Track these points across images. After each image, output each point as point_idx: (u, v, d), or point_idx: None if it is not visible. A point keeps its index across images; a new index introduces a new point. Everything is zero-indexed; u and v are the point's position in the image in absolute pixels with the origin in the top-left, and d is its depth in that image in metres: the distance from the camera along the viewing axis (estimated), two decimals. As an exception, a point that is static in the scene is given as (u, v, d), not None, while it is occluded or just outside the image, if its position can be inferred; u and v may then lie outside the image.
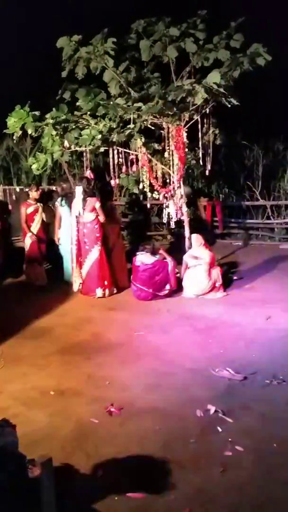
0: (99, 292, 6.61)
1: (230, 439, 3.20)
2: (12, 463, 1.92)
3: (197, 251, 6.57)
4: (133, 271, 6.59)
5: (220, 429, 3.33)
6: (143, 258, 6.45)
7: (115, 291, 6.77)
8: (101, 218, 6.62)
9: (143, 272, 6.39)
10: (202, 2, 6.94)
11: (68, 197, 7.36)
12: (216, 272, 6.51)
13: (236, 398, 3.75)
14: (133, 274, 6.57)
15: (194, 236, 6.70)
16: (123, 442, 3.22)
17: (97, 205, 6.61)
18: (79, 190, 6.70)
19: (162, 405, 3.67)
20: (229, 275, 7.32)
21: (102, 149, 7.26)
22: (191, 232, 6.98)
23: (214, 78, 6.12)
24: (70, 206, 7.07)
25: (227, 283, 6.80)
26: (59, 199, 7.48)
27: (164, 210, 7.26)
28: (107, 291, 6.65)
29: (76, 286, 6.85)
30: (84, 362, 4.56)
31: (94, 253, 6.63)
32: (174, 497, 2.70)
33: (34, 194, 7.53)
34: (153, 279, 6.38)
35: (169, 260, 6.52)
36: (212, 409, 3.55)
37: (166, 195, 7.01)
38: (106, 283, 6.65)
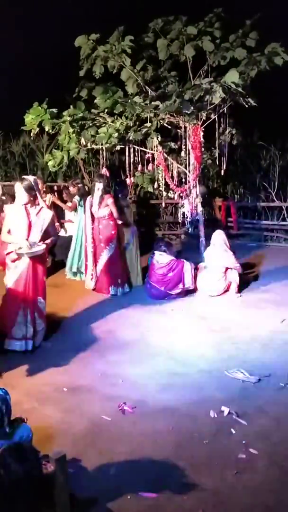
0: (112, 290, 6.61)
1: (244, 442, 3.17)
2: (28, 458, 1.93)
3: (214, 251, 6.47)
4: (149, 269, 6.58)
5: (234, 431, 3.30)
6: (158, 257, 6.43)
7: (128, 290, 6.76)
8: (115, 213, 6.59)
9: (157, 270, 6.37)
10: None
11: (84, 198, 7.41)
12: (234, 273, 6.42)
13: (250, 400, 3.72)
14: (149, 272, 6.56)
15: (215, 232, 6.59)
16: (136, 441, 3.21)
17: (109, 201, 6.57)
18: (98, 187, 6.67)
19: (175, 405, 3.66)
20: (245, 276, 7.24)
21: (118, 147, 7.26)
22: (206, 232, 6.92)
23: (232, 77, 6.08)
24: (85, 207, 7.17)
25: (241, 285, 6.73)
26: (76, 197, 7.50)
27: (179, 209, 7.24)
28: (120, 289, 6.64)
29: (89, 283, 6.88)
30: (97, 359, 4.56)
31: (108, 251, 6.62)
32: (187, 498, 2.68)
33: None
34: (166, 277, 6.35)
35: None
36: (226, 410, 3.52)
37: (181, 194, 6.98)
38: (119, 281, 6.64)
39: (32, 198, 4.65)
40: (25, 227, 4.59)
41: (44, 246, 4.66)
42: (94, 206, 6.66)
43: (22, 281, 4.67)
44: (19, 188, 4.62)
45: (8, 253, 4.68)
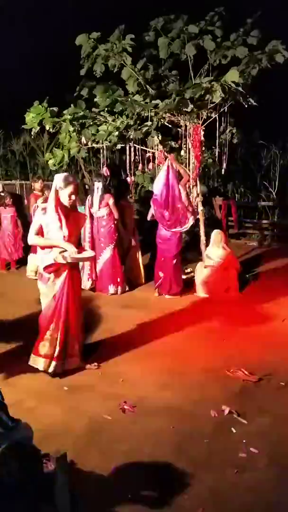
0: (111, 289, 6.61)
1: (244, 441, 3.17)
2: (29, 457, 1.93)
3: (213, 251, 6.49)
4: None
5: (234, 430, 3.30)
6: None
7: (127, 289, 6.75)
8: (115, 213, 6.59)
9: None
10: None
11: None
12: (233, 272, 6.43)
13: (250, 399, 3.72)
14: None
15: (214, 232, 6.64)
16: (136, 440, 3.21)
17: (111, 201, 6.57)
18: (98, 186, 6.66)
19: (175, 404, 3.65)
20: (246, 275, 7.25)
21: (118, 146, 7.26)
22: (206, 231, 6.93)
23: (232, 76, 6.06)
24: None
25: (242, 284, 6.74)
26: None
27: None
28: (119, 288, 6.64)
29: (86, 284, 6.86)
30: (97, 359, 4.56)
31: (108, 251, 6.62)
32: (187, 497, 2.68)
33: (37, 186, 7.71)
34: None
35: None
36: (226, 409, 3.52)
37: (182, 193, 6.97)
38: (118, 280, 6.64)
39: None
40: (63, 230, 4.01)
41: (93, 252, 4.28)
42: (94, 206, 6.64)
43: (64, 295, 4.08)
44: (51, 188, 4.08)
45: (48, 266, 4.01)
